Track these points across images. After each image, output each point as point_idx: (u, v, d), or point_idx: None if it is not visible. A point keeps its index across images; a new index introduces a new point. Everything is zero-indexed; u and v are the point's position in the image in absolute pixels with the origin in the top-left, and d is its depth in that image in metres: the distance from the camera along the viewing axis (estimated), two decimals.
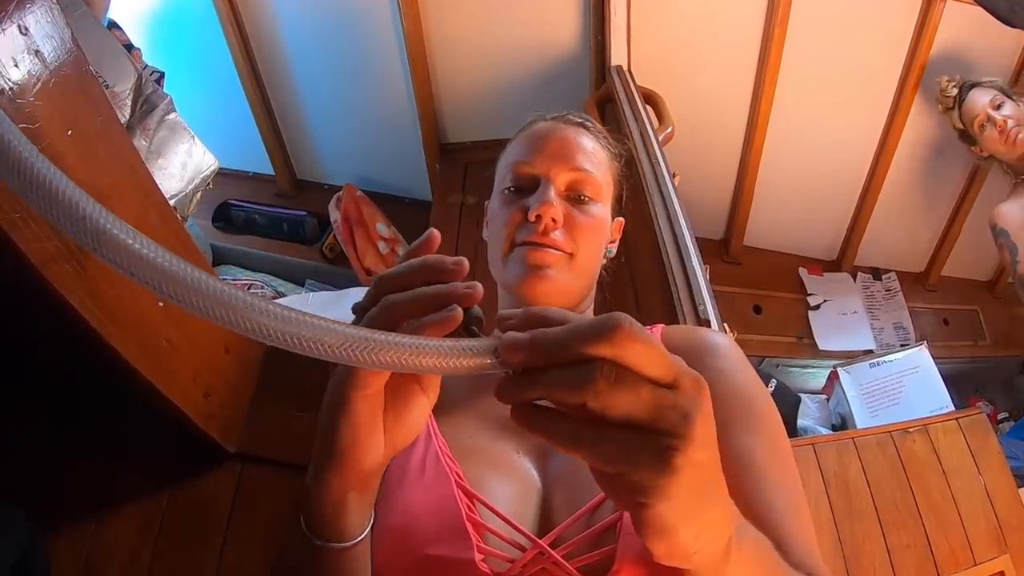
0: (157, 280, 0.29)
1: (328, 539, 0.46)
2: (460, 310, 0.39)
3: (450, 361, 0.34)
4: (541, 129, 0.80)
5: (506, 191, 0.77)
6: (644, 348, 0.32)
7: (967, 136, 2.18)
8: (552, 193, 0.73)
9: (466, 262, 0.42)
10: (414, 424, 0.46)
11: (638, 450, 0.32)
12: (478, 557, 0.52)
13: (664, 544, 0.34)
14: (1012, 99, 2.08)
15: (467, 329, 0.39)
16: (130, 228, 0.29)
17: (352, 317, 0.43)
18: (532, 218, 0.72)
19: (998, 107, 2.06)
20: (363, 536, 0.48)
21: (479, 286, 0.40)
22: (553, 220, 0.72)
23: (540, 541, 0.54)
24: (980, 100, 2.08)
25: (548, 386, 0.33)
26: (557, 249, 0.72)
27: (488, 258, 0.80)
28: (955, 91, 2.12)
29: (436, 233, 0.45)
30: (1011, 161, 2.11)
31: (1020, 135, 2.02)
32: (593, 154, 0.78)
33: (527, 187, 0.76)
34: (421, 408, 0.46)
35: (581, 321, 0.34)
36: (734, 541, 0.38)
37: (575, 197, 0.75)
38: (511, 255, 0.74)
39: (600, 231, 0.77)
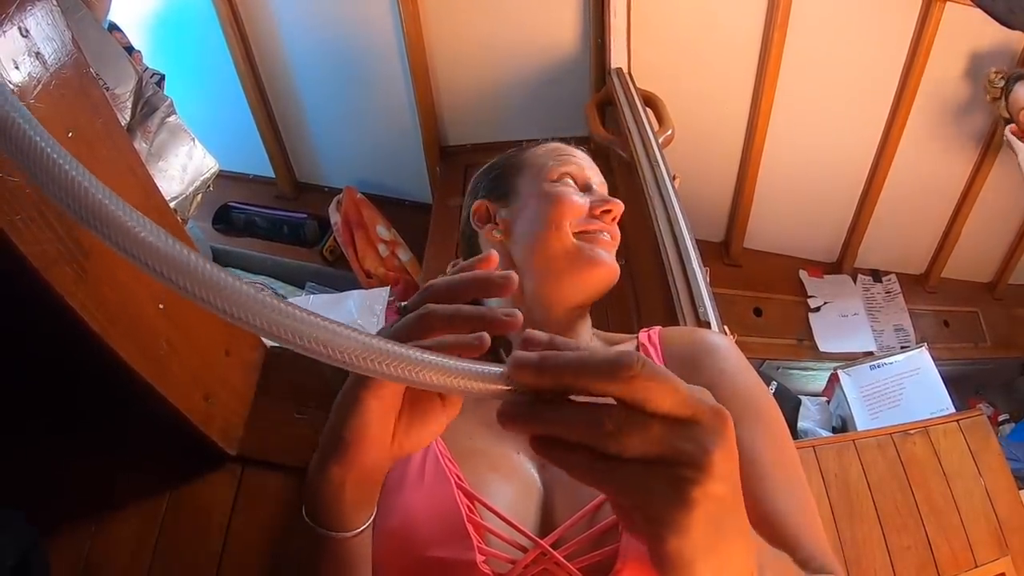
0: (169, 272, 0.29)
1: (327, 527, 0.47)
2: (487, 338, 0.39)
3: (455, 380, 0.34)
4: (558, 144, 0.84)
5: (562, 179, 0.79)
6: (656, 386, 0.32)
7: (1010, 123, 2.17)
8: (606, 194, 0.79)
9: (515, 277, 0.43)
10: (427, 434, 0.47)
11: (653, 483, 0.32)
12: (479, 558, 0.52)
13: None
14: None
15: (495, 354, 0.39)
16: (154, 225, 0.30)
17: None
18: (599, 212, 0.76)
19: None
20: (362, 529, 0.48)
21: (519, 314, 0.41)
22: (614, 219, 0.77)
23: (542, 542, 0.53)
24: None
25: (555, 423, 0.33)
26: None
27: (522, 239, 0.78)
28: (1002, 82, 2.13)
29: (495, 255, 0.47)
30: None
31: None
32: None
33: (578, 186, 0.79)
34: (437, 422, 0.47)
35: (595, 353, 0.33)
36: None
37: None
38: (580, 241, 0.75)
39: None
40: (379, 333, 0.40)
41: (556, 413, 0.33)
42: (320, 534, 0.47)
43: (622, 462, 0.32)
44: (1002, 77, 2.12)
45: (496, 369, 0.34)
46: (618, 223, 0.81)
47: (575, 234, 0.74)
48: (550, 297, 0.75)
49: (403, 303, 0.45)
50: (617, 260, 0.79)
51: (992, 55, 2.16)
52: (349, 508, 0.47)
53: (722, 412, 0.33)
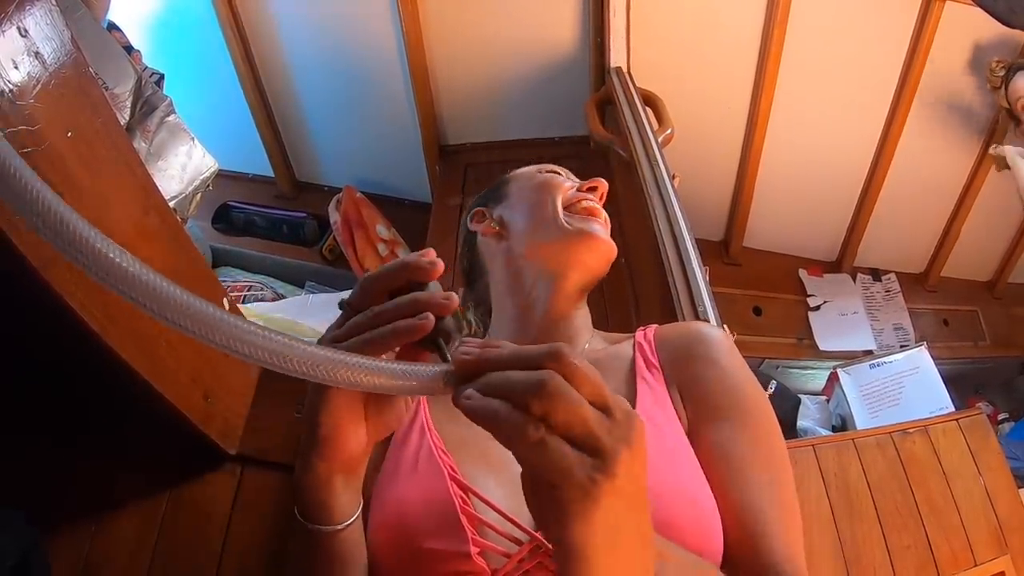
0: (134, 292, 0.31)
1: (320, 522, 0.48)
2: (431, 317, 0.42)
3: (400, 382, 0.37)
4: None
5: (542, 171, 0.86)
6: (584, 370, 0.35)
7: (1013, 116, 2.16)
8: None
9: (439, 262, 0.46)
10: (395, 415, 0.49)
11: (572, 465, 0.34)
12: (474, 551, 0.53)
13: (574, 570, 0.35)
14: None
15: (434, 342, 0.43)
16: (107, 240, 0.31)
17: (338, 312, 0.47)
18: (586, 188, 0.81)
19: None
20: (353, 519, 0.50)
21: (454, 297, 0.44)
22: (601, 195, 0.82)
23: (536, 535, 0.53)
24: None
25: (499, 383, 0.35)
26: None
27: (516, 235, 0.81)
28: (1003, 72, 2.12)
29: (431, 251, 0.48)
30: None
31: None
32: None
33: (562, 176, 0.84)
34: (402, 402, 0.50)
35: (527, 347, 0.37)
36: None
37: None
38: (569, 215, 0.78)
39: None
40: (324, 335, 0.45)
41: (503, 373, 0.36)
42: (314, 531, 0.49)
43: (551, 436, 0.34)
44: (1003, 67, 2.11)
45: (438, 368, 0.38)
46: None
47: (564, 209, 0.79)
48: (552, 284, 0.76)
49: (343, 300, 0.47)
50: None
51: (992, 54, 2.16)
52: (339, 500, 0.48)
53: (633, 414, 0.36)
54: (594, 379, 0.36)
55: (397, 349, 0.44)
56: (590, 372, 0.36)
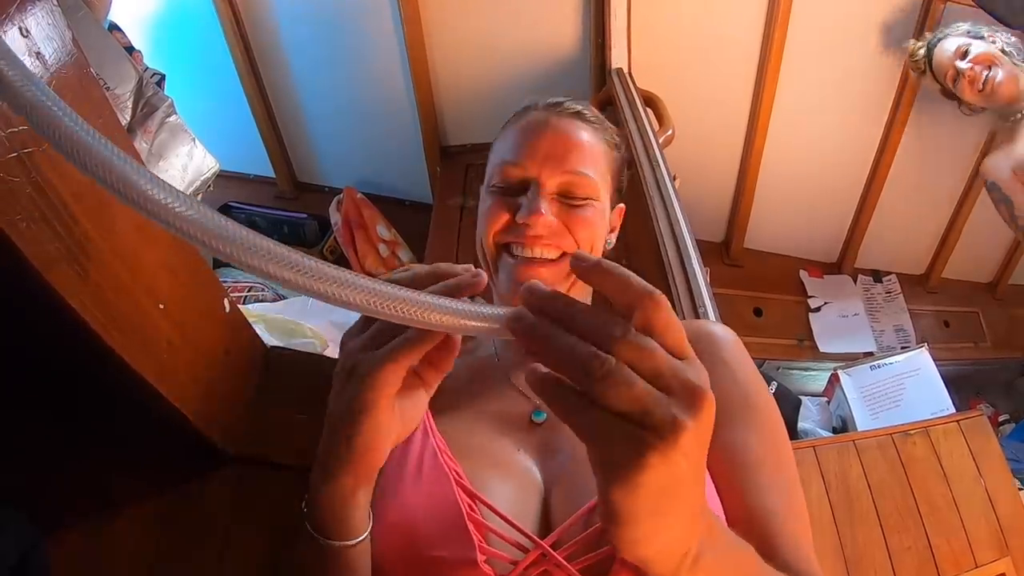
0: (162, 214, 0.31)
1: (335, 538, 0.47)
2: (484, 275, 0.42)
3: (464, 321, 0.35)
4: (533, 123, 0.75)
5: (493, 188, 0.74)
6: (671, 322, 0.35)
7: (949, 93, 2.01)
8: (542, 203, 0.69)
9: (483, 274, 0.43)
10: (415, 417, 0.47)
11: (617, 435, 0.33)
12: (480, 558, 0.52)
13: (616, 530, 0.34)
14: (983, 37, 1.87)
15: None
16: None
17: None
18: (520, 222, 0.69)
19: (964, 55, 1.88)
20: (367, 533, 0.49)
21: (483, 274, 0.43)
22: (545, 225, 0.69)
23: (543, 543, 0.53)
24: (946, 53, 1.91)
25: (555, 344, 0.34)
26: (547, 258, 0.70)
27: (478, 255, 0.78)
28: (923, 52, 1.98)
29: (483, 275, 0.45)
30: (993, 107, 1.93)
31: (995, 77, 1.81)
32: (589, 149, 0.73)
33: (516, 187, 0.72)
34: (421, 401, 0.47)
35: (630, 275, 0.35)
36: (691, 556, 0.37)
37: (568, 198, 0.72)
38: (500, 261, 0.72)
39: (596, 227, 0.73)
40: (346, 332, 0.44)
41: (559, 335, 0.34)
42: (327, 546, 0.47)
43: (598, 408, 0.33)
44: (922, 46, 1.98)
45: (499, 311, 0.36)
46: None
47: (500, 251, 0.72)
48: None
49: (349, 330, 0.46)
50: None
51: None
52: (358, 514, 0.47)
53: (707, 396, 0.34)
54: (682, 336, 0.35)
55: None
56: (680, 328, 0.35)
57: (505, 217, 0.71)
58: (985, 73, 1.82)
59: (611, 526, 0.34)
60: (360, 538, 0.48)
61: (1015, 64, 1.83)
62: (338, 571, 0.48)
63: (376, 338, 0.42)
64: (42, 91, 0.30)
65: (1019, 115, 1.84)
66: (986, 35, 1.86)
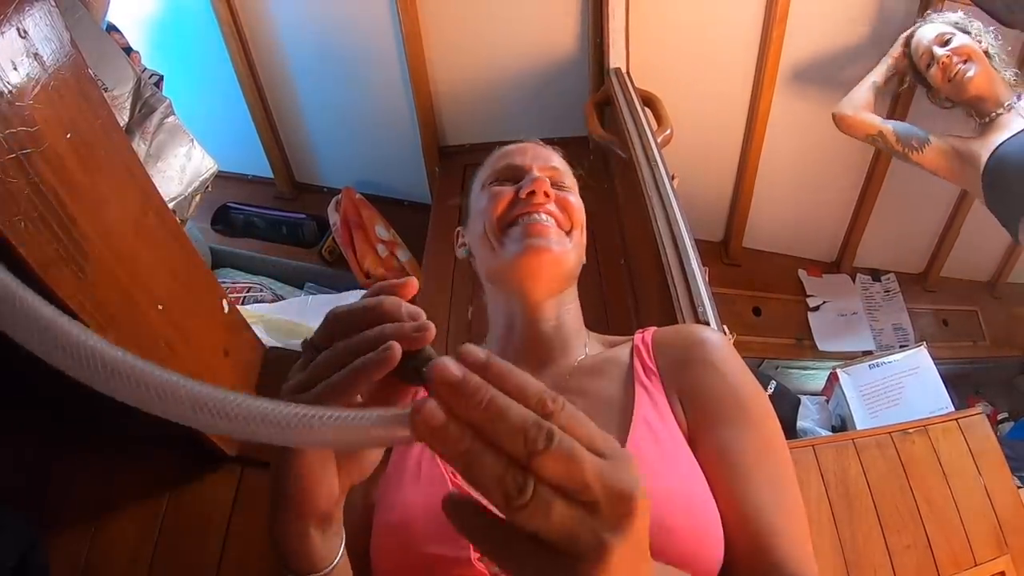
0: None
1: (303, 572, 0.46)
2: (396, 348, 0.37)
3: (354, 435, 0.31)
4: (516, 144, 0.86)
5: (489, 183, 0.81)
6: (578, 426, 0.31)
7: (920, 77, 1.94)
8: (540, 173, 0.77)
9: (431, 327, 0.39)
10: (370, 458, 0.46)
11: (546, 567, 0.30)
12: (474, 556, 0.53)
13: None
14: (969, 33, 1.83)
15: (416, 371, 0.38)
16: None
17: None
18: (524, 195, 0.75)
19: (945, 43, 1.82)
20: (337, 562, 0.47)
21: (431, 327, 0.39)
22: (546, 194, 0.75)
23: None
24: (927, 36, 1.87)
25: (464, 453, 0.30)
26: (554, 220, 0.75)
27: (476, 259, 0.81)
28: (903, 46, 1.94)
29: (414, 280, 0.44)
30: (959, 101, 1.88)
31: (967, 72, 1.78)
32: (563, 165, 0.85)
33: (511, 179, 0.79)
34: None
35: (527, 377, 0.31)
36: None
37: (556, 185, 0.79)
38: (508, 234, 0.75)
39: (582, 211, 0.80)
40: (287, 382, 0.41)
41: (469, 441, 0.30)
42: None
43: (520, 538, 0.30)
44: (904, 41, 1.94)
45: (401, 412, 0.31)
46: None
47: (506, 227, 0.76)
48: (519, 302, 0.75)
49: (306, 338, 0.43)
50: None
51: None
52: (318, 549, 0.46)
53: (637, 500, 0.30)
54: (591, 436, 0.31)
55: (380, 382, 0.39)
56: (586, 426, 0.31)
57: (508, 196, 0.77)
58: (960, 65, 1.80)
59: None
60: (326, 569, 0.46)
61: (994, 68, 1.82)
62: None
63: (309, 376, 0.40)
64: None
65: (993, 115, 1.83)
66: (973, 32, 1.84)
